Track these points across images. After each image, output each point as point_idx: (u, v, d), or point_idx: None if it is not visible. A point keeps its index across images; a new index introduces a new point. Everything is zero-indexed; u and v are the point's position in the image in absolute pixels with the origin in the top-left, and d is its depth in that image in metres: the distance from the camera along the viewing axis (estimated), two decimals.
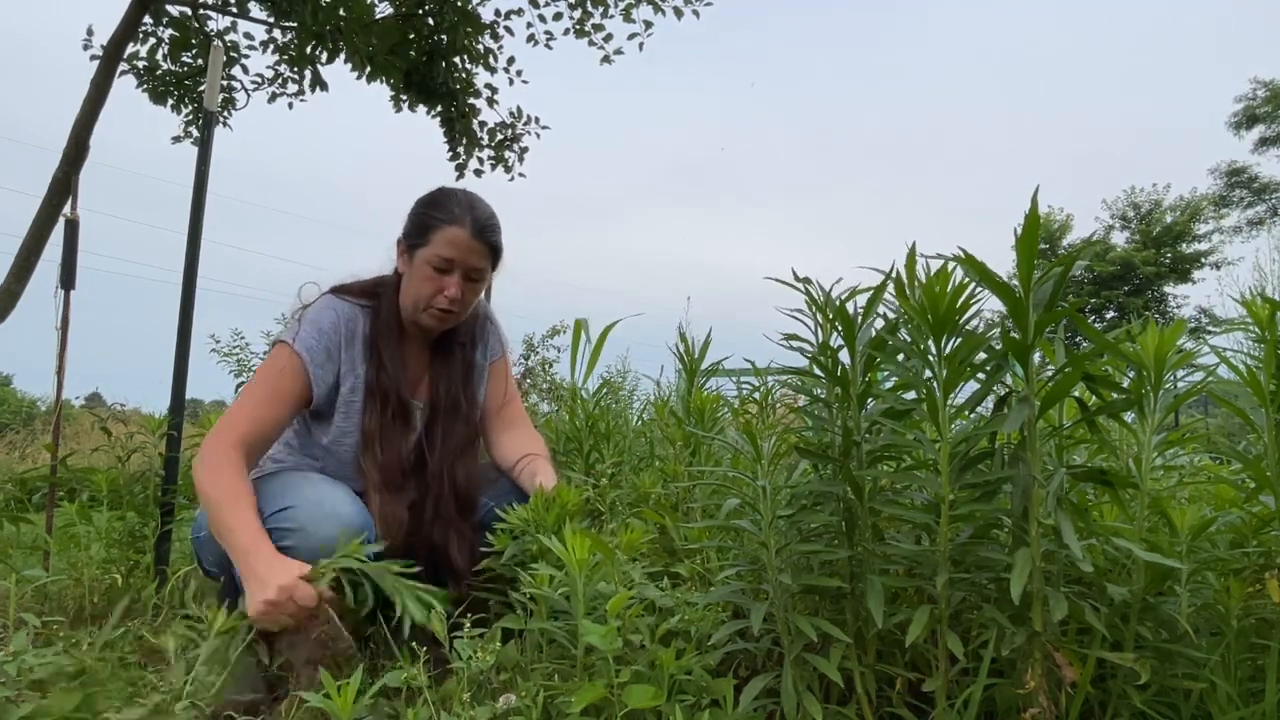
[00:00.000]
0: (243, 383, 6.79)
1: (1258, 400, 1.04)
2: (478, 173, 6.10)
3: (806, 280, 1.22)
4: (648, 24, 5.54)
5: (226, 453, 1.47)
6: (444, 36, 5.36)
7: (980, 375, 1.07)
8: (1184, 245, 23.32)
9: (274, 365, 1.58)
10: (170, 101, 5.68)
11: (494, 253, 1.66)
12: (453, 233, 1.59)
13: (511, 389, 1.86)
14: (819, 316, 1.25)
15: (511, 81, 5.81)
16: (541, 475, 1.61)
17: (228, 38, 5.53)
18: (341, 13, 4.84)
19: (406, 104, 5.73)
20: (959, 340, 1.03)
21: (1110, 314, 23.36)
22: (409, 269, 1.65)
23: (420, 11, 5.27)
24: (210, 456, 1.46)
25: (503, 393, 1.83)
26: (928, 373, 1.05)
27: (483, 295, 1.85)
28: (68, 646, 1.33)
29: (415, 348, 1.73)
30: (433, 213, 1.62)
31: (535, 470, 1.64)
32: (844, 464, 1.13)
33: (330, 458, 1.66)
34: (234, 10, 5.20)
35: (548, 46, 5.70)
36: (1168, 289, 23.74)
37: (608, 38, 5.65)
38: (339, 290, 1.70)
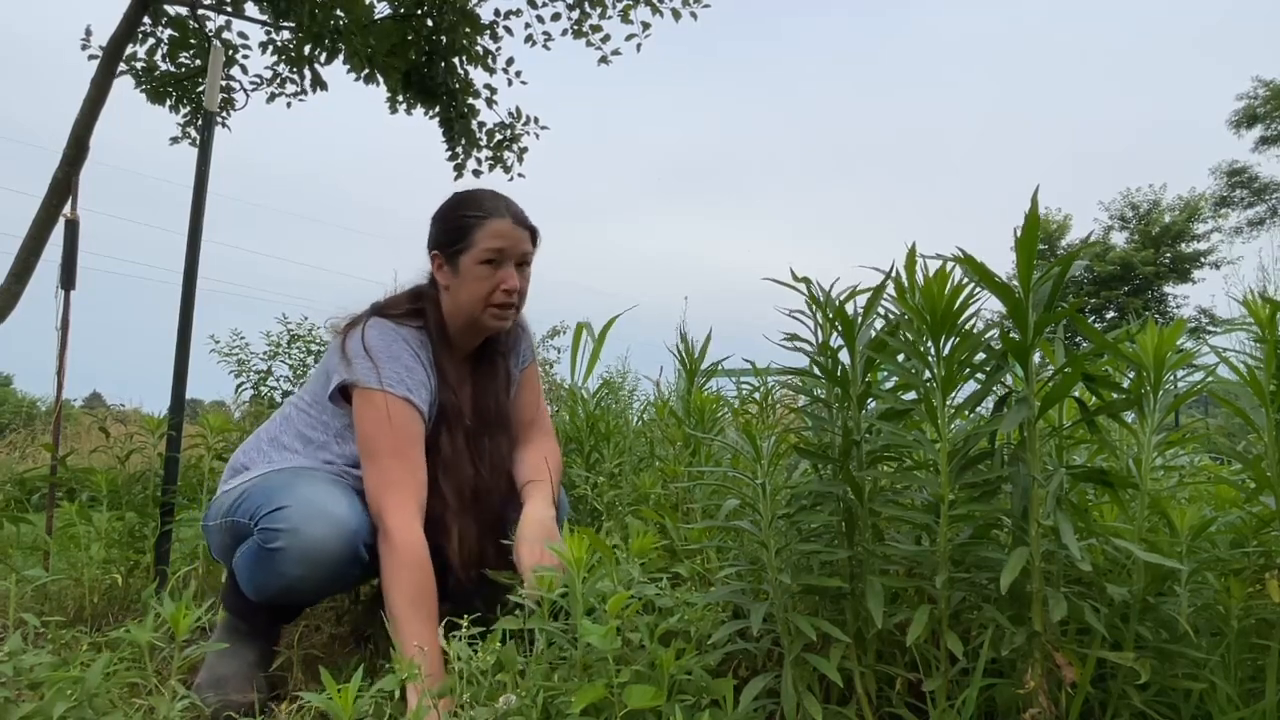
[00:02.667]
0: (242, 383, 6.79)
1: (1258, 400, 1.04)
2: (476, 173, 6.09)
3: (806, 280, 1.22)
4: (645, 25, 5.54)
5: (416, 533, 1.41)
6: (443, 37, 5.35)
7: (980, 375, 1.07)
8: (1183, 245, 23.33)
9: (383, 415, 1.48)
10: (169, 102, 5.68)
11: (534, 234, 1.64)
12: (495, 225, 1.56)
13: (541, 400, 1.82)
14: (819, 317, 1.25)
15: (510, 82, 5.81)
16: (529, 505, 1.56)
17: (224, 36, 5.53)
18: (339, 12, 4.83)
19: (404, 105, 5.72)
20: (958, 340, 1.03)
21: (1110, 314, 23.36)
22: (455, 278, 1.59)
23: (419, 12, 5.26)
24: (404, 541, 1.39)
25: (535, 404, 1.78)
26: (927, 373, 1.05)
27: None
28: (59, 647, 1.33)
29: (458, 360, 1.68)
30: (467, 213, 1.58)
31: (527, 497, 1.60)
32: (844, 464, 1.13)
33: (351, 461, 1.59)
34: (229, 10, 5.19)
35: (545, 47, 5.70)
36: (1167, 289, 23.75)
37: (605, 38, 5.65)
38: (383, 313, 1.62)
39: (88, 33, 5.14)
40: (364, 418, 1.50)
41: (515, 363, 1.77)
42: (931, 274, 1.01)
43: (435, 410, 1.59)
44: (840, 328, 1.15)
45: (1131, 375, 1.08)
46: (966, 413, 1.14)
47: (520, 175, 6.17)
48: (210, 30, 5.47)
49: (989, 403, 1.11)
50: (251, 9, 5.24)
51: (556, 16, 5.58)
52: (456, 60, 5.54)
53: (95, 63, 4.61)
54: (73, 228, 2.17)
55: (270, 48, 5.53)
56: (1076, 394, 1.06)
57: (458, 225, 1.58)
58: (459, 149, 5.97)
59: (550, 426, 1.82)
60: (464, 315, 1.61)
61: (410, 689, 1.21)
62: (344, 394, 1.56)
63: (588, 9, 5.50)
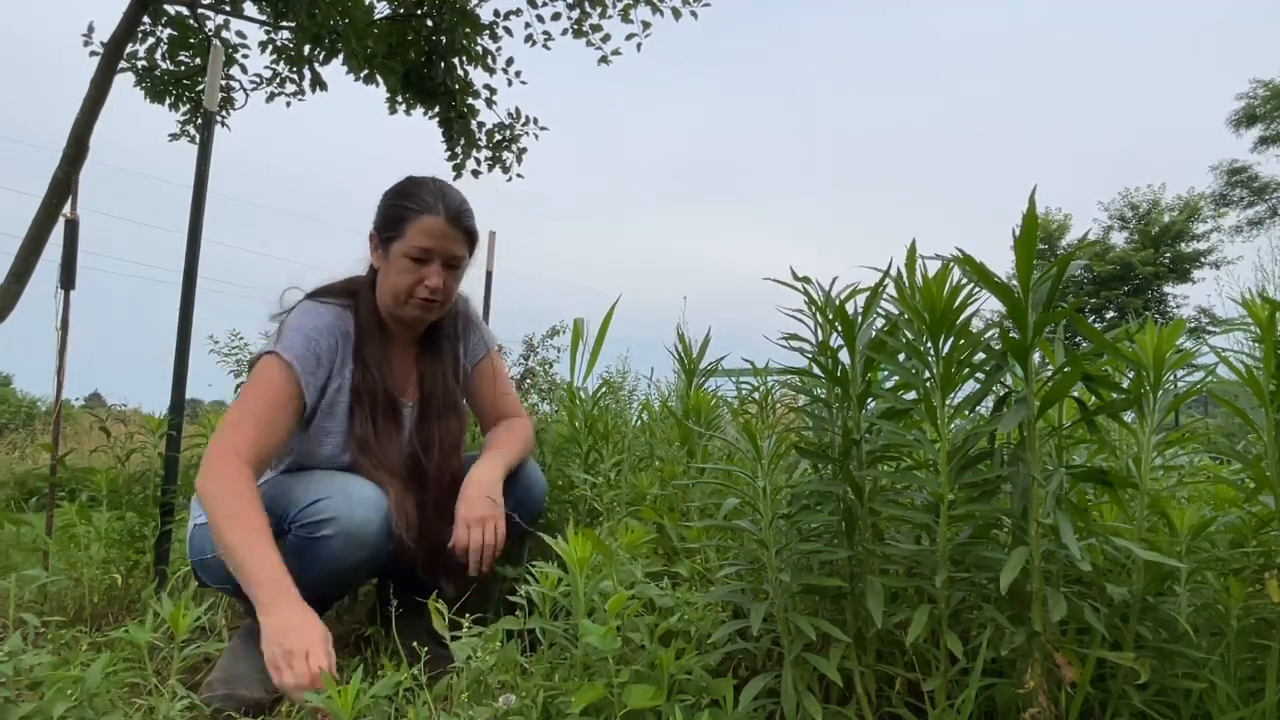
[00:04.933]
0: (242, 383, 6.78)
1: (1257, 400, 1.04)
2: (475, 173, 6.10)
3: (806, 280, 1.22)
4: (646, 24, 5.55)
5: (235, 465, 1.38)
6: (443, 37, 5.36)
7: (979, 375, 1.07)
8: (1183, 245, 23.33)
9: (264, 375, 1.51)
10: (169, 100, 5.69)
11: (470, 238, 1.63)
12: (428, 221, 1.56)
13: (501, 386, 1.84)
14: (819, 316, 1.25)
15: (510, 83, 5.81)
16: (474, 467, 1.60)
17: (223, 35, 5.54)
18: (338, 12, 4.84)
19: (404, 106, 5.73)
20: (957, 340, 1.03)
21: (1110, 314, 23.36)
22: (385, 264, 1.61)
23: (419, 12, 5.27)
24: (216, 469, 1.38)
25: (492, 392, 1.82)
26: (926, 373, 1.05)
27: (470, 297, 1.85)
28: (59, 647, 1.33)
29: (400, 347, 1.70)
30: (404, 203, 1.58)
31: (476, 462, 1.63)
32: (844, 464, 1.13)
33: (309, 459, 1.62)
34: (229, 9, 5.20)
35: (546, 47, 5.71)
36: (1167, 289, 23.75)
37: (605, 38, 5.65)
38: (317, 295, 1.65)
39: (90, 29, 5.14)
40: (249, 379, 1.55)
41: (463, 351, 1.79)
42: (931, 274, 1.02)
43: (347, 388, 1.60)
44: (840, 327, 1.15)
45: (1131, 375, 1.08)
46: (966, 412, 1.14)
47: (519, 176, 6.18)
48: (210, 29, 5.47)
49: (989, 402, 1.11)
50: (251, 9, 5.25)
51: (557, 16, 5.59)
52: (456, 60, 5.55)
53: (95, 61, 4.62)
54: (72, 227, 2.17)
55: (270, 47, 5.54)
56: (1076, 394, 1.06)
57: (394, 214, 1.59)
58: (458, 149, 5.98)
59: (519, 408, 1.85)
60: (388, 301, 1.63)
61: (254, 588, 1.28)
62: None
63: (588, 8, 5.51)
